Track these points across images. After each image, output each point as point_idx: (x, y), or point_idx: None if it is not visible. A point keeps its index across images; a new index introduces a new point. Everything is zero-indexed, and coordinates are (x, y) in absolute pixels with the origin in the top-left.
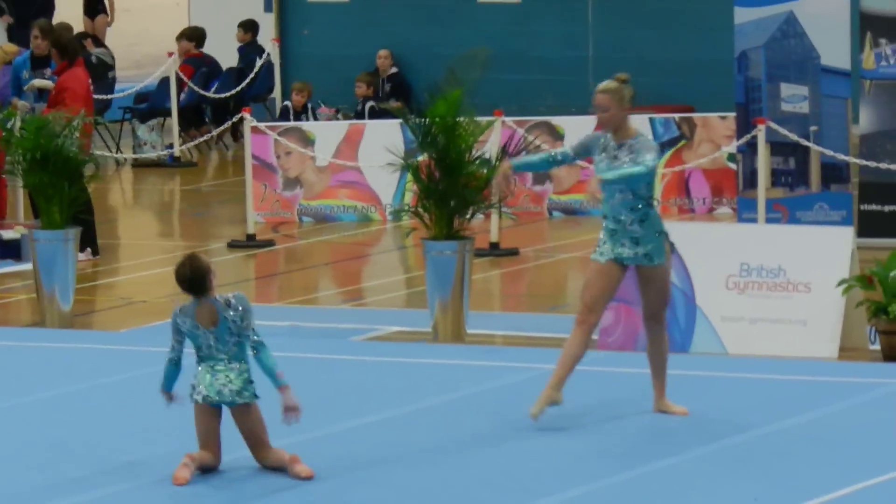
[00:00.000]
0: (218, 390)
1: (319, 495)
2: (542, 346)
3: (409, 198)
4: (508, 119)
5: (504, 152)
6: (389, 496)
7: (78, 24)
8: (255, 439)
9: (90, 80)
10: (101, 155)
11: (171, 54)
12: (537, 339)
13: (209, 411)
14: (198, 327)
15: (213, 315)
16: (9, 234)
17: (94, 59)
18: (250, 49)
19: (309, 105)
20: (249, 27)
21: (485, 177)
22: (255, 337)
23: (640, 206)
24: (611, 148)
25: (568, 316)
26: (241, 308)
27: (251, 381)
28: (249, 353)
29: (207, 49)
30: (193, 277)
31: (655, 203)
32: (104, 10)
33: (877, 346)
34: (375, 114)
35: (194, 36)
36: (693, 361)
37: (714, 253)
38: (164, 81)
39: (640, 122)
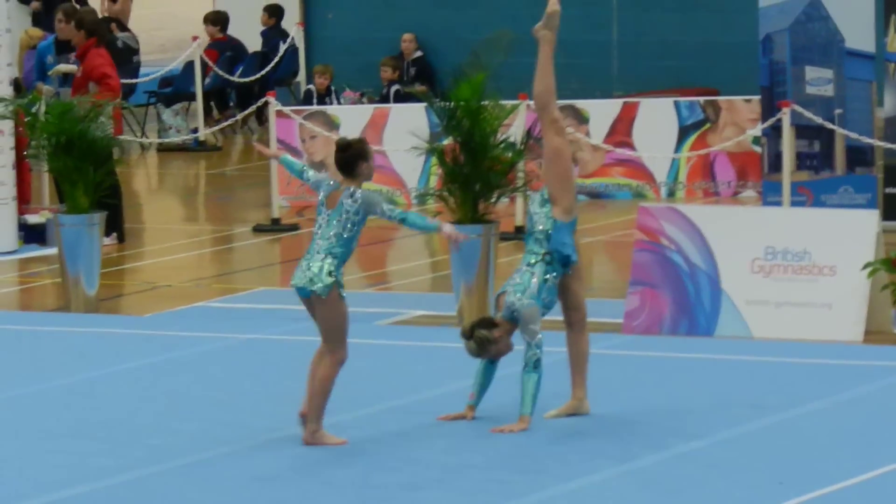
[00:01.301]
0: (299, 276)
1: (345, 478)
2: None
3: (433, 181)
4: (533, 103)
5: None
6: (413, 478)
7: (101, 9)
8: (323, 335)
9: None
10: (126, 139)
11: (195, 38)
12: (561, 322)
13: (303, 301)
14: (323, 204)
15: (337, 198)
16: (34, 219)
17: (119, 43)
18: (274, 33)
19: (332, 88)
20: (274, 11)
21: (510, 160)
22: (391, 213)
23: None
24: None
25: (593, 300)
26: (361, 200)
27: (329, 275)
28: (397, 223)
29: (232, 33)
30: (344, 153)
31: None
32: None
33: None
34: (400, 97)
35: (218, 20)
36: (718, 345)
37: (739, 236)
38: (189, 65)
39: (665, 106)
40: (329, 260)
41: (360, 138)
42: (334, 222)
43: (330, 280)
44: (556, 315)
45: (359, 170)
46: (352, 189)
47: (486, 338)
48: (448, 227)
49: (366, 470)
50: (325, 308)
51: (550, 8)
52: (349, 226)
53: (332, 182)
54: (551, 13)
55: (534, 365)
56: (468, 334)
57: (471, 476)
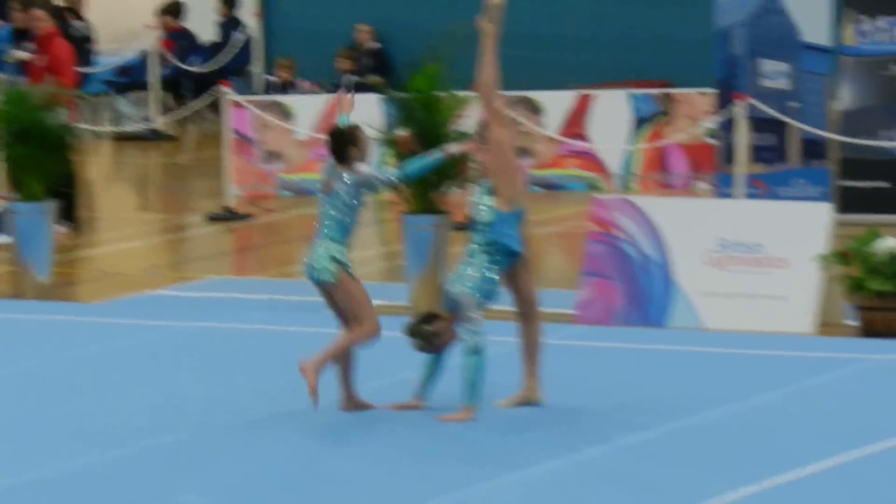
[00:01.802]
0: (307, 267)
1: (289, 466)
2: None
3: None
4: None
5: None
6: (359, 465)
7: None
8: (349, 316)
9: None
10: (80, 128)
11: (149, 27)
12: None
13: (317, 288)
14: (321, 191)
15: (331, 185)
16: None
17: (75, 32)
18: (230, 23)
19: (293, 81)
20: (229, 2)
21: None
22: (387, 177)
23: None
24: None
25: (547, 290)
26: (352, 182)
27: (332, 260)
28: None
29: (188, 23)
30: (335, 138)
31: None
32: None
33: (854, 322)
34: (356, 88)
35: (174, 10)
36: (670, 336)
37: (692, 228)
38: (145, 55)
39: (620, 98)
40: (329, 245)
41: (353, 124)
42: (331, 208)
43: (334, 265)
44: (509, 305)
45: (350, 155)
46: (344, 174)
47: (430, 332)
48: (452, 147)
49: (312, 458)
50: (339, 291)
51: (492, 0)
52: (346, 209)
53: (328, 168)
54: (494, 5)
55: (473, 349)
56: (412, 332)
57: (417, 465)
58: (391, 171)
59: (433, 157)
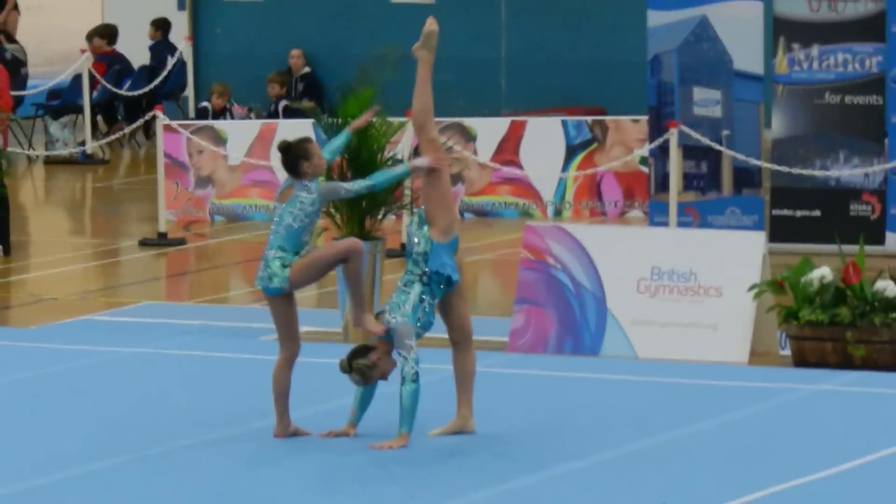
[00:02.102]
0: (259, 277)
1: (227, 492)
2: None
3: None
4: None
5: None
6: (291, 492)
7: None
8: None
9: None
10: (13, 152)
11: (83, 51)
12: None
13: (270, 300)
14: (277, 200)
15: (290, 193)
16: None
17: (7, 55)
18: (162, 47)
19: (228, 107)
20: (161, 25)
21: None
22: (356, 187)
23: None
24: None
25: (479, 318)
26: (317, 191)
27: (284, 267)
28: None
29: (120, 46)
30: (286, 154)
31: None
32: (14, 6)
33: (787, 352)
34: (289, 113)
35: (106, 33)
36: (603, 364)
37: (625, 256)
38: (77, 78)
39: (552, 125)
40: (280, 254)
41: (301, 138)
42: (286, 215)
43: (286, 272)
44: (443, 332)
45: (302, 169)
46: (306, 182)
47: (366, 365)
48: (418, 161)
49: (243, 484)
50: (300, 278)
51: (427, 28)
52: (302, 216)
53: (288, 180)
54: (428, 32)
55: (411, 378)
56: (347, 368)
57: (348, 492)
58: (358, 182)
59: (399, 170)
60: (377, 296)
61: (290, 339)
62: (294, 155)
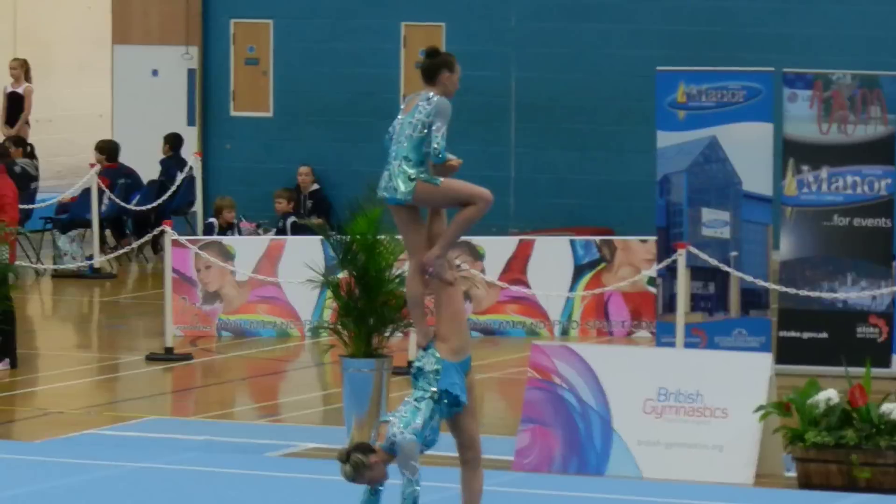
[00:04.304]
0: (382, 186)
1: None
2: (455, 465)
3: (328, 314)
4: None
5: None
6: None
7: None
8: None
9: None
10: (21, 265)
11: (92, 165)
12: (453, 457)
13: (390, 208)
14: (400, 117)
15: (414, 103)
16: None
17: (17, 168)
18: (172, 162)
19: (235, 222)
20: (172, 140)
21: (403, 295)
22: (438, 139)
23: None
24: None
25: (485, 436)
26: (434, 103)
27: (409, 179)
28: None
29: (130, 161)
30: (430, 58)
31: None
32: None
33: (793, 474)
34: (297, 229)
35: (105, 149)
36: (608, 485)
37: (632, 376)
38: (86, 192)
39: (560, 244)
40: (405, 165)
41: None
42: (406, 126)
43: (411, 184)
44: (446, 451)
45: (440, 79)
46: (430, 94)
47: (362, 462)
48: (440, 268)
49: None
50: (426, 198)
51: (452, 161)
52: (420, 127)
53: (412, 95)
54: (452, 166)
55: (412, 502)
56: (344, 458)
57: None
58: (441, 141)
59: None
60: (383, 413)
61: (416, 247)
62: (441, 61)
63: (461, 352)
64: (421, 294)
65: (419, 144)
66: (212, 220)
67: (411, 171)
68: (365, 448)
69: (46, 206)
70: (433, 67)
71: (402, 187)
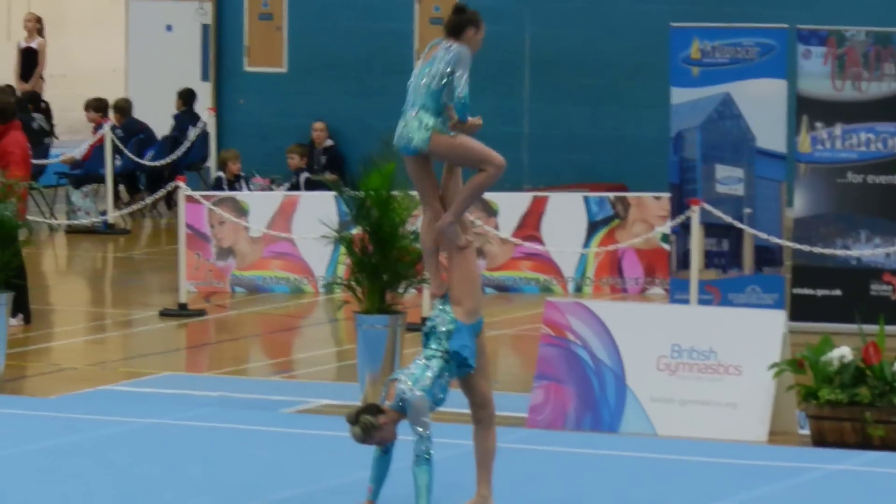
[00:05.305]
0: (397, 137)
1: None
2: (468, 422)
3: (341, 271)
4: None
5: None
6: None
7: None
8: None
9: (28, 145)
10: (34, 220)
11: (106, 120)
12: (465, 414)
13: (404, 158)
14: (420, 61)
15: (434, 50)
16: None
17: (35, 124)
18: (186, 117)
19: (242, 174)
20: (186, 96)
21: (418, 251)
22: (461, 89)
23: None
24: None
25: (498, 393)
26: (454, 51)
27: (425, 128)
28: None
29: (144, 117)
30: (458, 14)
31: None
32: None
33: (806, 431)
34: (311, 185)
35: (100, 107)
36: (622, 442)
37: (645, 333)
38: (100, 147)
39: (574, 201)
40: (422, 113)
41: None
42: (423, 76)
43: (426, 133)
44: (457, 408)
45: (465, 35)
46: (450, 43)
47: (372, 423)
48: (453, 230)
49: None
50: (440, 150)
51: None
52: (439, 78)
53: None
54: (473, 125)
55: (425, 458)
56: (353, 420)
57: None
58: (464, 91)
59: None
60: (396, 369)
61: (430, 197)
62: (468, 18)
63: (474, 313)
64: (435, 245)
65: (437, 94)
66: (219, 173)
67: (428, 121)
68: (374, 409)
69: (60, 162)
70: (460, 23)
71: (417, 136)
